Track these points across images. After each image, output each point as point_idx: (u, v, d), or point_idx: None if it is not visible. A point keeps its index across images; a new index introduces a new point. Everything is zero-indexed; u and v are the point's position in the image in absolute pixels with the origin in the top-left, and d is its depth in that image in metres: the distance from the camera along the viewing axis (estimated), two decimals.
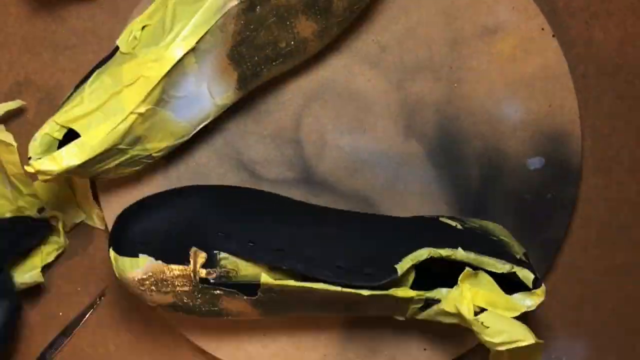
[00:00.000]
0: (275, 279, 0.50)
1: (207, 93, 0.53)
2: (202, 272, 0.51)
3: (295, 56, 0.55)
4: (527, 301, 0.50)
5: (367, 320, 0.59)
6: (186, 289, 0.51)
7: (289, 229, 0.51)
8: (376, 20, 0.57)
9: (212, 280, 0.51)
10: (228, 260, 0.51)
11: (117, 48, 0.53)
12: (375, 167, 0.58)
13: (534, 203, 0.59)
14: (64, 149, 0.51)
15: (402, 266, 0.50)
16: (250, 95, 0.58)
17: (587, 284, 0.61)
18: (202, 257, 0.50)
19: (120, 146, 0.52)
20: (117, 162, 0.53)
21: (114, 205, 0.59)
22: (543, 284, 0.51)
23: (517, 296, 0.51)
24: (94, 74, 0.52)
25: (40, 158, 0.50)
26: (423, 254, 0.50)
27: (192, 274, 0.51)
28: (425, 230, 0.53)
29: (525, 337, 0.47)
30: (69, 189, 0.60)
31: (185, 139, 0.56)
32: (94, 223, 0.60)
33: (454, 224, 0.54)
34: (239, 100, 0.57)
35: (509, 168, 0.58)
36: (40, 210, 0.59)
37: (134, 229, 0.50)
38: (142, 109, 0.51)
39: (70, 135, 0.52)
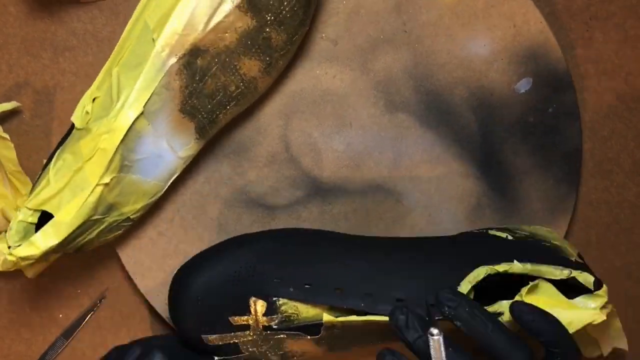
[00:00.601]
0: (337, 317, 0.47)
1: (168, 149, 0.50)
2: (264, 320, 0.49)
3: (247, 96, 0.51)
4: (590, 303, 0.46)
5: None
6: (250, 338, 0.50)
7: (343, 267, 0.49)
8: (318, 18, 0.54)
9: (275, 327, 0.49)
10: (288, 305, 0.49)
11: (73, 125, 0.50)
12: (374, 154, 0.55)
13: (540, 122, 0.54)
14: (39, 232, 0.48)
15: (463, 290, 0.46)
16: (231, 135, 0.55)
17: None
18: (261, 305, 0.49)
19: (95, 217, 0.49)
20: (96, 231, 0.50)
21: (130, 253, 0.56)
22: (605, 285, 0.46)
23: (580, 299, 0.46)
24: (56, 154, 0.50)
25: (19, 245, 0.48)
26: (480, 273, 0.47)
27: (255, 323, 0.49)
28: (477, 246, 0.50)
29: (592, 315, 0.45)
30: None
31: (160, 195, 0.52)
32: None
33: (504, 235, 0.51)
34: (222, 143, 0.55)
35: (500, 100, 0.54)
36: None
37: (193, 286, 0.49)
38: (106, 179, 0.48)
39: (47, 217, 0.49)
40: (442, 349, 0.41)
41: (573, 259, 0.49)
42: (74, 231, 0.50)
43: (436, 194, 0.55)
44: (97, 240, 0.53)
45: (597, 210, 0.57)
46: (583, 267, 0.48)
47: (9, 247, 0.50)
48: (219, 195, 0.56)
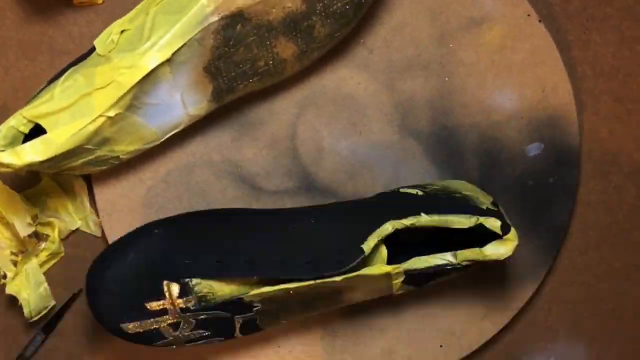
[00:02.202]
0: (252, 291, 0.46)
1: (180, 102, 0.48)
2: (180, 302, 0.47)
3: (272, 76, 0.50)
4: (501, 249, 0.46)
5: (382, 323, 0.54)
6: (170, 322, 0.48)
7: (253, 240, 0.48)
8: (362, 23, 0.53)
9: (192, 308, 0.48)
10: (202, 285, 0.47)
11: (94, 48, 0.48)
12: (374, 168, 0.54)
13: (537, 189, 0.53)
14: (28, 144, 0.46)
15: (369, 244, 0.46)
16: (243, 108, 0.53)
17: (586, 287, 0.56)
18: (175, 288, 0.47)
19: (87, 146, 0.47)
20: (82, 160, 0.48)
21: (107, 193, 0.54)
22: (513, 228, 0.46)
23: (490, 247, 0.46)
24: (68, 72, 0.47)
25: (3, 150, 0.46)
26: (387, 227, 0.46)
27: (171, 306, 0.48)
28: (387, 204, 0.49)
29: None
30: (65, 196, 0.56)
31: (155, 144, 0.50)
32: (90, 230, 0.56)
33: (414, 192, 0.50)
34: (230, 114, 0.53)
35: (507, 156, 0.53)
36: (35, 217, 0.55)
37: (106, 279, 0.47)
38: (111, 113, 0.46)
39: (37, 131, 0.47)
40: None
41: (485, 207, 0.49)
42: (62, 153, 0.47)
43: None
44: (79, 168, 0.51)
45: (595, 211, 0.56)
46: (494, 214, 0.48)
47: None
48: (211, 162, 0.55)
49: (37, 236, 0.56)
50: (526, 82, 0.53)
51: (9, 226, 0.55)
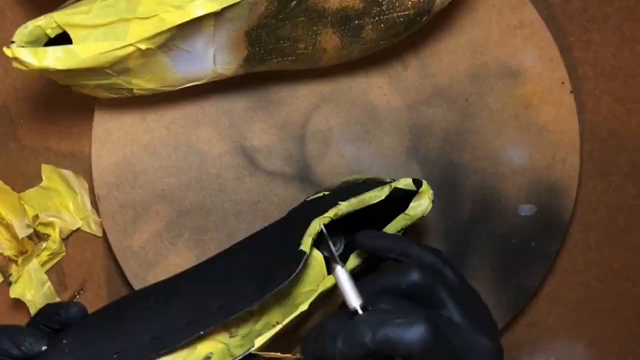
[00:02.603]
0: None
1: (211, 57, 0.48)
2: None
3: (307, 61, 0.49)
4: (423, 202, 0.46)
5: None
6: None
7: (157, 314, 0.45)
8: (406, 38, 0.51)
9: None
10: None
11: None
12: None
13: (518, 248, 0.54)
14: (51, 48, 0.44)
15: (305, 244, 0.44)
16: (267, 82, 0.53)
17: (586, 287, 0.56)
18: None
19: (108, 70, 0.46)
20: (97, 82, 0.47)
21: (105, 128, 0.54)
22: (424, 181, 0.46)
23: (413, 204, 0.46)
24: None
25: (24, 47, 0.44)
26: (315, 225, 0.45)
27: None
28: (302, 213, 0.49)
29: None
30: (65, 196, 0.55)
31: (171, 89, 0.49)
32: (91, 230, 0.55)
33: (321, 194, 0.50)
34: (253, 84, 0.52)
35: (500, 209, 0.54)
36: (35, 217, 0.54)
37: None
38: (143, 46, 0.45)
39: (62, 38, 0.45)
40: (348, 278, 0.40)
41: (388, 179, 0.49)
42: (81, 69, 0.46)
43: None
44: (90, 89, 0.49)
45: (595, 211, 0.56)
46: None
47: (12, 42, 0.46)
48: (219, 123, 0.54)
49: (38, 236, 0.55)
50: (540, 145, 0.54)
51: (9, 227, 0.54)
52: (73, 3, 0.48)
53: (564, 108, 0.54)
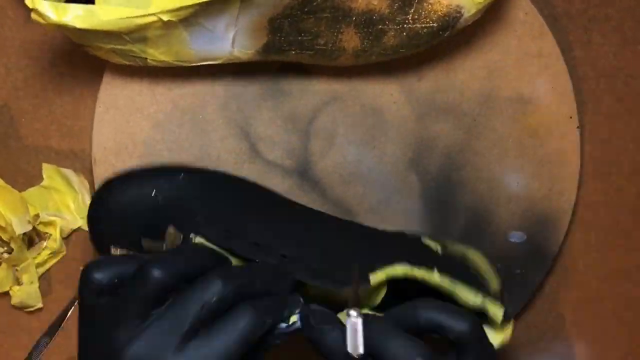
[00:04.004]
0: None
1: (230, 39, 0.47)
2: None
3: (325, 58, 0.49)
4: (491, 336, 0.45)
5: None
6: None
7: (267, 225, 0.46)
8: (426, 51, 0.51)
9: None
10: (202, 246, 0.45)
11: None
12: (369, 185, 0.54)
13: (501, 273, 0.51)
14: (72, 5, 0.44)
15: (376, 278, 0.44)
16: (281, 72, 0.53)
17: (586, 287, 0.56)
18: (177, 237, 0.46)
19: (125, 36, 0.46)
20: (112, 46, 0.47)
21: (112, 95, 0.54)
22: (512, 320, 0.45)
23: (484, 328, 0.44)
24: None
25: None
26: (398, 270, 0.45)
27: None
28: (405, 246, 0.48)
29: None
30: (66, 195, 0.55)
31: (185, 64, 0.49)
32: None
33: (435, 247, 0.50)
34: (266, 72, 0.52)
35: (491, 232, 0.54)
36: (36, 216, 0.53)
37: (114, 202, 0.46)
38: (165, 17, 0.45)
39: None
40: (360, 329, 0.38)
41: (492, 291, 0.49)
42: (98, 31, 0.46)
43: None
44: (105, 53, 0.49)
45: (596, 212, 0.56)
46: (499, 301, 0.47)
47: None
48: (226, 107, 0.53)
49: (39, 235, 0.55)
50: (539, 175, 0.54)
51: (5, 229, 0.53)
52: None
53: (568, 142, 0.54)
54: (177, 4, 0.45)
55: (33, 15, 0.45)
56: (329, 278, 0.44)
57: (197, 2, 0.45)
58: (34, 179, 0.55)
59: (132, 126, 0.53)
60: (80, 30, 0.45)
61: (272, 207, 0.49)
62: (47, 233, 0.55)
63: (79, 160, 0.55)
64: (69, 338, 0.55)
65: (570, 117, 0.54)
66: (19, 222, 0.52)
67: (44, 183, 0.55)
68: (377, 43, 0.49)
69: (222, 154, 0.53)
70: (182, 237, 0.45)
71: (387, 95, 0.54)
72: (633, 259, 0.57)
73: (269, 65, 0.53)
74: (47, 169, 0.55)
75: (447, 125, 0.54)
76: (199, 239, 0.45)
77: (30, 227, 0.53)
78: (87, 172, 0.55)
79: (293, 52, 0.49)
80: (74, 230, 0.56)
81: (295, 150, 0.54)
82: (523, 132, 0.54)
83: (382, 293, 0.46)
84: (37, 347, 0.54)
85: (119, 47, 0.48)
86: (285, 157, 0.54)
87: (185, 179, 0.47)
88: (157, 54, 0.48)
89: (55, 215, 0.55)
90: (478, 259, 0.51)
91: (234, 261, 0.45)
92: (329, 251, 0.46)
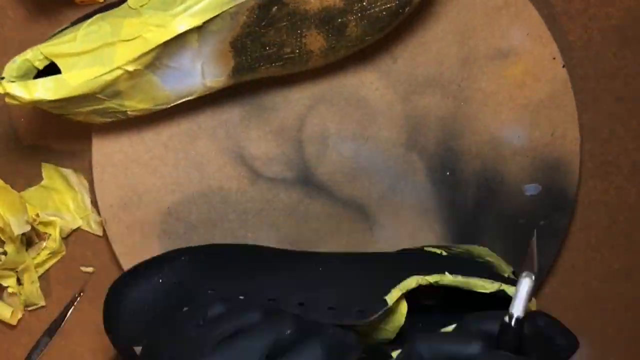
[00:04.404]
0: None
1: (199, 71, 0.48)
2: None
3: (295, 64, 0.49)
4: None
5: None
6: None
7: (278, 279, 0.47)
8: (393, 31, 0.52)
9: None
10: None
11: None
12: (374, 176, 0.54)
13: (527, 228, 0.53)
14: (40, 80, 0.45)
15: (392, 297, 0.45)
16: (258, 89, 0.53)
17: (586, 287, 0.56)
18: None
19: (99, 95, 0.46)
20: (90, 108, 0.47)
21: (104, 149, 0.54)
22: (534, 299, 0.45)
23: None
24: (94, 17, 0.46)
25: (14, 81, 0.45)
26: (411, 282, 0.46)
27: None
28: (412, 260, 0.49)
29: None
30: (66, 195, 0.55)
31: (165, 107, 0.49)
32: (91, 229, 0.56)
33: (439, 251, 0.50)
34: (245, 93, 0.52)
35: (505, 191, 0.53)
36: (36, 216, 0.54)
37: (126, 300, 0.47)
38: (131, 67, 0.45)
39: (51, 70, 0.46)
40: (529, 291, 0.38)
41: (506, 274, 0.49)
42: (72, 97, 0.47)
43: (406, 240, 0.55)
44: (85, 116, 0.50)
45: (596, 212, 0.56)
46: (514, 283, 0.47)
47: (2, 78, 0.47)
48: (215, 136, 0.54)
49: (38, 235, 0.55)
50: (538, 123, 0.54)
51: (2, 229, 0.54)
52: (57, 33, 0.48)
53: (557, 83, 0.53)
54: (138, 52, 0.46)
55: (7, 100, 0.46)
56: (348, 314, 0.45)
57: (155, 45, 0.46)
58: (34, 179, 0.56)
59: (131, 179, 0.54)
60: (55, 101, 0.47)
61: (277, 260, 0.49)
62: (46, 233, 0.55)
63: (78, 160, 0.56)
64: (68, 338, 0.56)
65: (554, 58, 0.53)
66: (17, 223, 0.52)
67: (43, 183, 0.55)
68: (341, 37, 0.49)
69: (224, 183, 0.54)
70: None
71: (367, 84, 0.54)
72: (633, 259, 0.56)
73: (245, 86, 0.53)
74: (47, 169, 0.56)
75: (434, 97, 0.54)
76: None
77: (28, 228, 0.53)
78: (86, 172, 0.56)
79: (263, 68, 0.50)
80: (74, 230, 0.56)
81: (292, 160, 0.54)
82: (511, 85, 0.53)
83: (404, 311, 0.46)
84: (37, 347, 0.55)
85: (97, 107, 0.49)
86: (285, 170, 0.54)
87: (187, 259, 0.48)
88: (134, 104, 0.49)
89: (55, 215, 0.55)
90: (483, 252, 0.51)
91: None
92: (341, 287, 0.47)
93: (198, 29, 0.46)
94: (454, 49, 0.53)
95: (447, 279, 0.46)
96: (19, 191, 0.55)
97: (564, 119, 0.53)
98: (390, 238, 0.54)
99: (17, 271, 0.55)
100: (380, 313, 0.44)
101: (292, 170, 0.54)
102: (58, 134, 0.55)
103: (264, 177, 0.54)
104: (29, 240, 0.55)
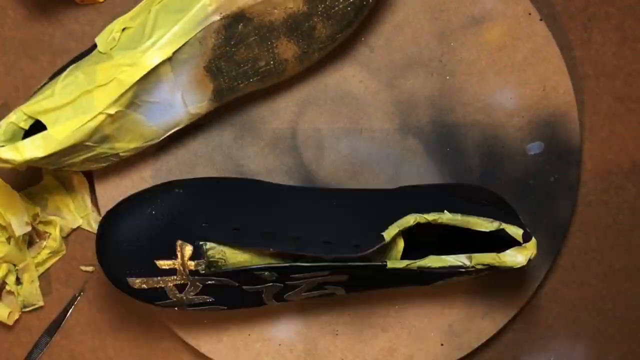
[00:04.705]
0: (267, 263, 0.46)
1: (180, 101, 0.48)
2: (191, 265, 0.47)
3: (273, 76, 0.49)
4: (519, 256, 0.45)
5: (383, 321, 0.54)
6: (176, 282, 0.47)
7: (273, 213, 0.47)
8: (364, 21, 0.52)
9: (202, 271, 0.47)
10: (215, 250, 0.46)
11: (95, 45, 0.48)
12: (375, 167, 0.54)
13: (538, 188, 0.53)
14: (28, 140, 0.45)
15: (389, 233, 0.45)
16: (244, 106, 0.53)
17: (586, 287, 0.56)
18: (188, 249, 0.46)
19: (87, 143, 0.47)
20: (82, 157, 0.48)
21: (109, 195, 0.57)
22: (534, 237, 0.45)
23: (509, 252, 0.45)
24: (69, 69, 0.47)
25: (3, 146, 0.46)
26: (409, 220, 0.46)
27: (181, 267, 0.47)
28: (411, 198, 0.49)
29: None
30: (66, 194, 0.56)
31: (155, 142, 0.50)
32: (92, 228, 0.56)
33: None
34: (232, 112, 0.53)
35: (509, 155, 0.53)
36: (36, 216, 0.54)
37: (119, 230, 0.47)
38: (112, 110, 0.46)
39: (38, 126, 0.47)
40: None
41: (503, 211, 0.49)
42: (62, 150, 0.47)
43: None
44: (79, 165, 0.51)
45: (596, 211, 0.56)
46: (514, 222, 0.47)
47: None
48: (213, 160, 0.54)
49: (38, 234, 0.56)
50: (527, 81, 0.53)
51: (5, 229, 0.55)
52: (37, 92, 0.49)
53: (538, 38, 0.53)
54: (116, 94, 0.47)
55: (0, 165, 0.47)
56: (344, 248, 0.45)
57: (131, 84, 0.46)
58: (34, 178, 0.56)
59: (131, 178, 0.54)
60: (47, 157, 0.47)
61: (273, 195, 0.49)
62: (46, 232, 0.56)
63: None
64: (68, 337, 0.57)
65: (529, 14, 0.53)
66: (18, 223, 0.52)
67: (43, 182, 0.56)
68: (312, 41, 0.49)
69: None
70: (192, 248, 0.47)
71: (349, 78, 0.54)
72: (633, 259, 0.56)
73: (230, 106, 0.53)
74: (47, 169, 0.56)
75: (418, 78, 0.54)
76: (209, 245, 0.46)
77: (29, 229, 0.53)
78: (86, 171, 0.56)
79: (242, 85, 0.50)
80: (74, 230, 0.57)
81: (292, 169, 0.54)
82: (492, 50, 0.53)
83: (400, 248, 0.46)
84: (37, 346, 0.55)
85: (89, 154, 0.49)
86: (287, 179, 0.54)
87: (182, 191, 0.48)
88: (125, 145, 0.50)
89: (55, 215, 0.56)
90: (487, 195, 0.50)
91: (273, 262, 0.46)
92: (339, 223, 0.47)
93: (169, 60, 0.47)
94: (427, 26, 0.53)
95: (446, 217, 0.46)
96: (18, 191, 0.55)
97: (552, 71, 0.53)
98: None
99: (17, 270, 0.55)
100: (376, 247, 0.44)
101: (294, 178, 0.54)
102: None
103: None
104: (29, 239, 0.56)
